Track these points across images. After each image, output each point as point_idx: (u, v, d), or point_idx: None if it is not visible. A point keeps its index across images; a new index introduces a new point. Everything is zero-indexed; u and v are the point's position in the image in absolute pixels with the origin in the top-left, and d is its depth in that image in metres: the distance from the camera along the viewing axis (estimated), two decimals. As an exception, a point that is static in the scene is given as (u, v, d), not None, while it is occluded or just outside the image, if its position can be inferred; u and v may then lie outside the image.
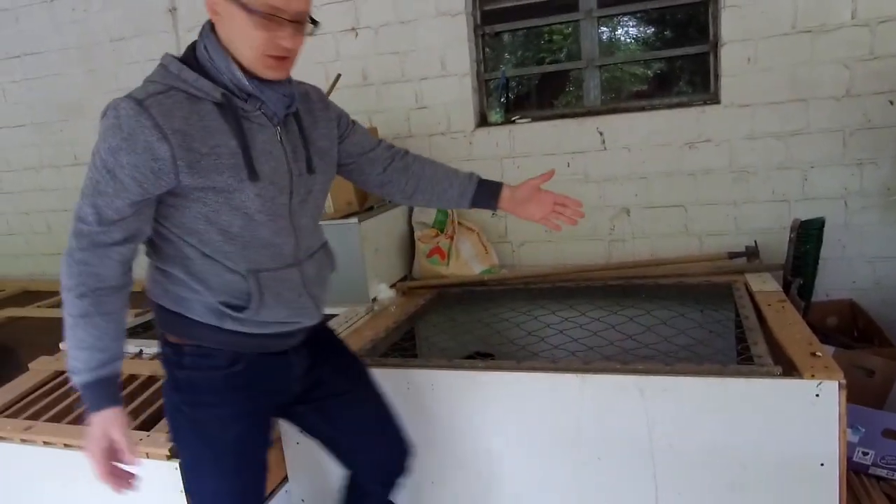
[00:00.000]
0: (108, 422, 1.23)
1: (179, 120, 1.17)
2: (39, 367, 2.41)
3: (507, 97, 3.12)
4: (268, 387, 1.40)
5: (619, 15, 2.98)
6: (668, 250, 2.90)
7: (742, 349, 1.86)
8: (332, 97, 2.89)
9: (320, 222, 1.48)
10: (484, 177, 1.58)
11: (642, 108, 2.91)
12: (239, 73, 1.23)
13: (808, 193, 2.71)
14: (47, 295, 3.59)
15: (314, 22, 1.27)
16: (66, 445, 1.94)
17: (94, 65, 3.58)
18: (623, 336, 2.17)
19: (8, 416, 2.12)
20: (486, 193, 1.56)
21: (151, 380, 2.18)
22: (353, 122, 1.55)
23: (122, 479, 1.28)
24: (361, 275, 2.66)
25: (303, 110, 1.38)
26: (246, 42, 1.21)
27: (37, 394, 2.26)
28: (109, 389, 1.25)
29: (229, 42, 1.23)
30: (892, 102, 2.57)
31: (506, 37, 3.22)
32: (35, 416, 2.10)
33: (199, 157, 1.19)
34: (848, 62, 2.59)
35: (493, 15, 3.03)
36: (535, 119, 3.01)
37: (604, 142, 2.90)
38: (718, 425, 1.69)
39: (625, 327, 2.24)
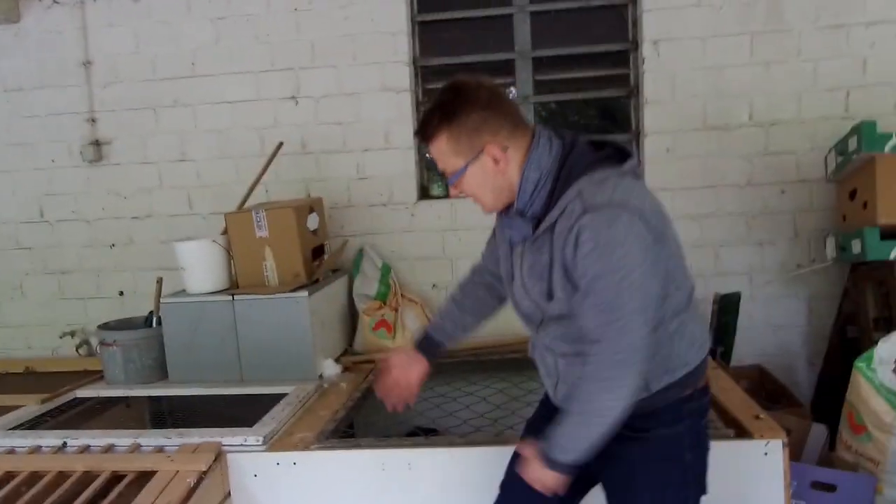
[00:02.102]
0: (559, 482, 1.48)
1: None
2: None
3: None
4: None
5: (548, 102, 3.51)
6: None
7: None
8: (272, 166, 3.12)
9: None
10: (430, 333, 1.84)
11: (575, 188, 3.40)
12: None
13: (720, 269, 3.31)
14: None
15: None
16: None
17: (-20, 115, 3.49)
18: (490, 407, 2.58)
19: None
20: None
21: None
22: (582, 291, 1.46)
23: None
24: (308, 351, 2.82)
25: (558, 232, 1.45)
26: None
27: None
28: None
29: None
30: (783, 192, 3.26)
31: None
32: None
33: None
34: (748, 156, 3.26)
35: (431, 93, 3.43)
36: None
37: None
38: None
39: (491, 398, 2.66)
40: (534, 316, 1.59)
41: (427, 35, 3.43)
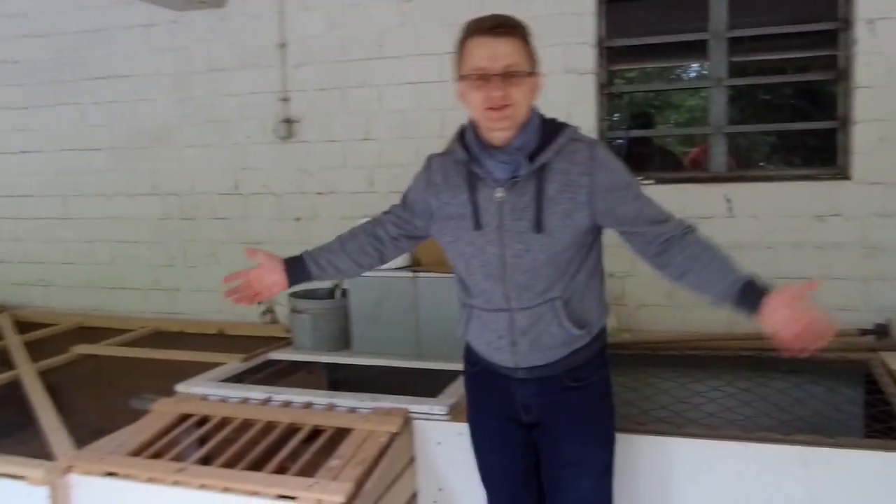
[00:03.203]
0: None
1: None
2: (162, 409, 2.70)
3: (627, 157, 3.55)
4: None
5: (748, 85, 3.46)
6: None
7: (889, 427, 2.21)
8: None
9: None
10: (757, 280, 1.68)
11: (770, 178, 3.34)
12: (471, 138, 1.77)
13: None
14: (110, 333, 3.88)
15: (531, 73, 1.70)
16: (224, 489, 2.21)
17: (187, 93, 3.97)
18: (772, 406, 2.54)
19: (149, 457, 2.41)
20: (750, 298, 1.66)
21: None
22: (630, 194, 1.76)
23: None
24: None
25: (556, 170, 1.73)
26: (470, 105, 1.71)
27: (172, 435, 2.55)
28: None
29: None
30: None
31: (637, 98, 3.69)
32: (178, 459, 2.40)
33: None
34: (977, 148, 3.06)
35: (617, 75, 3.49)
36: (658, 181, 3.44)
37: (731, 209, 3.33)
38: (888, 500, 2.03)
39: (772, 398, 2.62)
40: (494, 264, 1.77)
41: (615, 15, 3.48)
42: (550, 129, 1.76)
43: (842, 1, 3.22)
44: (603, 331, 1.94)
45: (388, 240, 2.02)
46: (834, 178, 3.26)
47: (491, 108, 1.66)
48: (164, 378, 3.05)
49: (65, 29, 4.21)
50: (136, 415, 2.69)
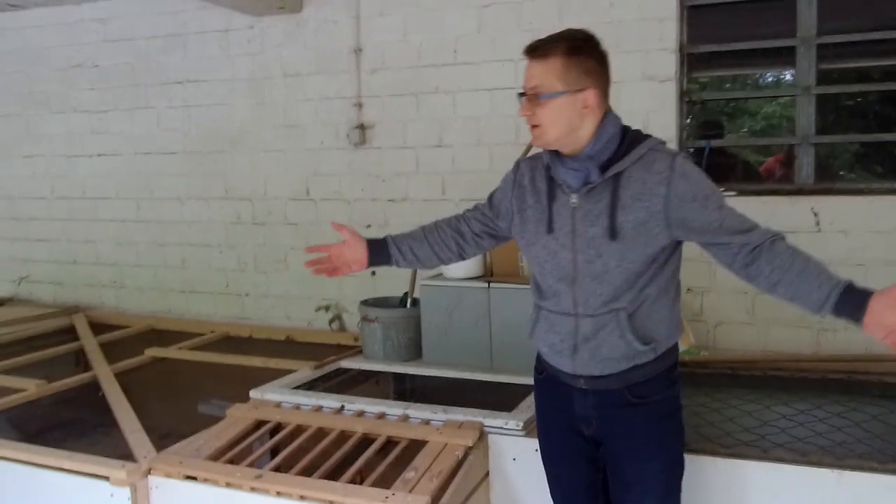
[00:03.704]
0: None
1: None
2: (238, 415, 2.78)
3: (709, 167, 3.49)
4: None
5: (838, 94, 3.36)
6: (884, 345, 3.17)
7: None
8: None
9: None
10: (856, 284, 1.65)
11: (860, 192, 3.24)
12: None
13: None
14: (180, 336, 4.00)
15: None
16: (301, 497, 2.26)
17: (262, 98, 4.07)
18: (865, 433, 2.45)
19: (227, 462, 2.48)
20: (851, 304, 1.63)
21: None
22: (710, 204, 1.76)
23: None
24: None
25: (632, 179, 1.77)
26: None
27: (248, 441, 2.62)
28: None
29: None
30: None
31: (710, 105, 3.63)
32: (254, 465, 2.46)
33: None
34: None
35: (699, 84, 3.44)
36: (740, 193, 3.37)
37: (818, 223, 3.24)
38: None
39: (865, 424, 2.53)
40: (566, 268, 1.83)
41: (697, 20, 3.43)
42: (631, 139, 1.80)
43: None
44: (673, 349, 1.93)
45: (470, 236, 2.10)
46: (927, 192, 3.15)
47: (529, 126, 1.81)
48: (236, 383, 3.15)
49: (142, 34, 4.37)
50: (210, 420, 2.78)
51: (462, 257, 2.15)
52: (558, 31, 1.77)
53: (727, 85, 3.98)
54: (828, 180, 3.39)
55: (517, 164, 2.01)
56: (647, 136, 1.82)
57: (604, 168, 1.78)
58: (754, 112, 4.53)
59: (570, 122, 1.76)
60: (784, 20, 3.33)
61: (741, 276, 1.81)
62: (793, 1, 3.30)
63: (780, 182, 3.48)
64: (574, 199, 1.81)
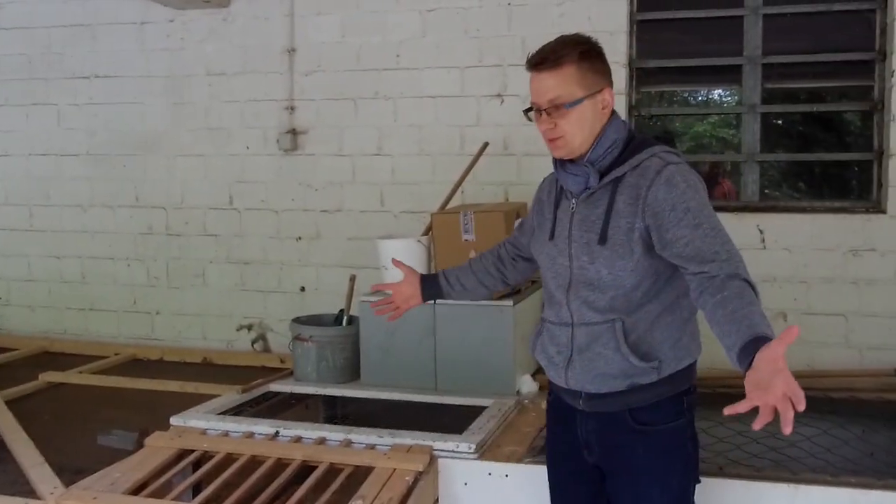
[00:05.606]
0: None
1: None
2: (158, 444, 2.63)
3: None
4: None
5: (782, 113, 3.57)
6: (826, 361, 3.36)
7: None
8: (476, 166, 3.35)
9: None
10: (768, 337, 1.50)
11: (803, 210, 3.43)
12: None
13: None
14: (79, 359, 3.77)
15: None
16: None
17: (181, 98, 3.94)
18: (818, 448, 2.58)
19: (149, 497, 2.34)
20: (746, 354, 1.50)
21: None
22: (687, 219, 1.70)
23: None
24: (509, 363, 2.99)
25: (627, 184, 1.79)
26: None
27: (171, 473, 2.48)
28: None
29: None
30: None
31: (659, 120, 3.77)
32: (180, 499, 2.33)
33: None
34: None
35: (649, 97, 3.57)
36: (688, 210, 3.49)
37: (763, 240, 3.40)
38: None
39: (815, 438, 2.66)
40: (563, 275, 1.87)
41: (646, 35, 3.58)
42: (636, 145, 1.83)
43: (879, 32, 3.36)
44: (683, 375, 1.84)
45: (508, 261, 2.19)
46: (867, 211, 3.36)
47: (549, 139, 1.83)
48: (147, 410, 3.01)
49: (41, 22, 4.16)
50: (121, 453, 2.62)
51: (506, 283, 2.24)
52: (550, 40, 1.78)
53: (675, 100, 4.15)
54: (772, 198, 3.58)
55: (543, 181, 2.07)
56: (653, 143, 1.84)
57: (604, 173, 1.82)
58: (682, 132, 4.75)
59: (592, 126, 1.80)
60: (732, 39, 3.51)
61: (695, 304, 1.76)
62: (740, 20, 3.49)
63: (726, 199, 3.65)
64: (573, 204, 1.87)
